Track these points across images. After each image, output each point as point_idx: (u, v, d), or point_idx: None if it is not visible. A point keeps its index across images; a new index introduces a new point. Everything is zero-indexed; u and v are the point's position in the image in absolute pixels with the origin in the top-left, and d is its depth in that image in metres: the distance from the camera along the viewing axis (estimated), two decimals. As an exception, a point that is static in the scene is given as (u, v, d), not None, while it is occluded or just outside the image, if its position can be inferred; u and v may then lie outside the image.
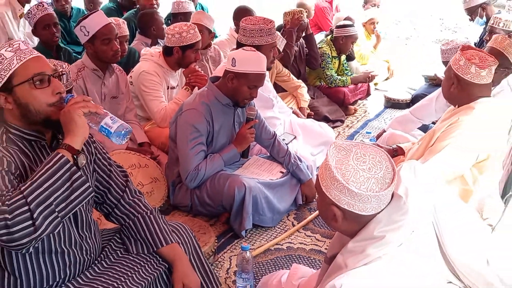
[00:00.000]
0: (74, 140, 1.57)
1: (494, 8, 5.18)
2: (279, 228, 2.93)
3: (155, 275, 1.92)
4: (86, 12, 5.14)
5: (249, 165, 3.10)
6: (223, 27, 4.53)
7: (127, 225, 1.99)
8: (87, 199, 1.62)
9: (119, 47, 3.17)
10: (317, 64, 4.72)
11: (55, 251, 1.72)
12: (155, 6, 4.96)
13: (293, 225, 2.96)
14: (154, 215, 2.02)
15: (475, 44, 4.80)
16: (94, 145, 1.91)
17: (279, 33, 3.93)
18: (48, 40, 3.85)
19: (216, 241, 2.68)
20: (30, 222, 1.44)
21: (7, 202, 1.42)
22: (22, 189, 1.47)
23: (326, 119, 4.37)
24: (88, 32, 3.03)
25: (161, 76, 3.46)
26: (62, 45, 4.29)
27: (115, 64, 3.32)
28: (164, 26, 4.34)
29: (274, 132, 3.16)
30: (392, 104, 5.02)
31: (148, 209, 2.02)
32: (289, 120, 3.84)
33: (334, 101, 4.70)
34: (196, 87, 3.41)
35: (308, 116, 4.31)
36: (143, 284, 1.86)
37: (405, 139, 3.45)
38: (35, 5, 3.98)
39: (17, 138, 1.66)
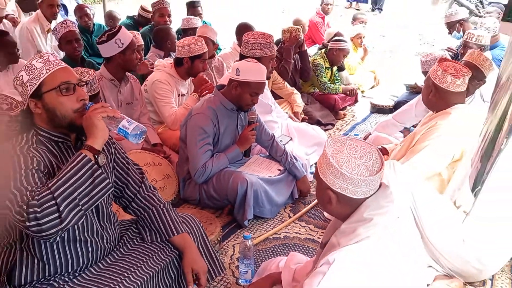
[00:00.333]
0: (95, 142, 1.58)
1: (471, 25, 5.18)
2: (277, 219, 2.93)
3: (167, 261, 1.92)
4: (106, 28, 5.14)
5: (250, 163, 3.10)
6: (222, 40, 4.52)
7: (142, 217, 1.99)
8: (107, 194, 1.62)
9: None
10: (308, 77, 4.72)
11: (79, 240, 1.72)
12: (168, 22, 4.96)
13: (290, 217, 2.96)
14: (167, 207, 2.02)
15: (451, 56, 4.80)
16: (114, 145, 1.92)
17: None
18: (71, 53, 3.86)
19: (221, 230, 2.67)
20: (57, 214, 1.44)
21: (36, 197, 1.43)
22: (49, 185, 1.47)
23: (318, 123, 4.36)
24: (122, 44, 3.08)
25: (172, 84, 3.46)
26: (85, 57, 4.29)
27: (129, 74, 3.33)
28: (177, 40, 4.35)
29: (273, 134, 3.16)
30: (377, 109, 5.02)
31: (161, 203, 2.02)
32: (285, 124, 3.84)
33: (325, 107, 4.70)
34: (204, 93, 3.42)
35: (303, 120, 4.31)
36: (157, 269, 1.86)
37: (388, 141, 3.46)
38: (60, 22, 3.99)
39: (45, 140, 1.67)
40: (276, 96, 4.24)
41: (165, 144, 3.45)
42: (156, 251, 1.92)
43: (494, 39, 4.77)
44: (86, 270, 1.76)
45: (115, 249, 1.89)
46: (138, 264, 1.82)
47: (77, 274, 1.73)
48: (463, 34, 4.98)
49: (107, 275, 1.74)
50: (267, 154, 3.20)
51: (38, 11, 4.73)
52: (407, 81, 5.30)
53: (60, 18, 4.93)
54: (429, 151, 2.55)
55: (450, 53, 5.06)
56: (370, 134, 3.85)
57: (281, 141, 3.30)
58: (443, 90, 2.63)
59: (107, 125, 1.63)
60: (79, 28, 4.79)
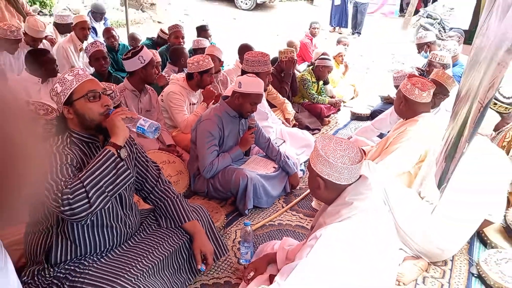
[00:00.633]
0: (117, 139, 1.60)
1: (437, 47, 5.18)
2: (272, 209, 2.92)
3: (180, 244, 1.92)
4: (129, 47, 5.13)
5: (250, 162, 3.10)
6: (226, 58, 4.52)
7: (159, 206, 1.99)
8: (129, 182, 1.63)
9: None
10: (296, 92, 4.75)
11: (106, 225, 1.72)
12: (182, 43, 4.96)
13: (283, 207, 2.95)
14: (180, 198, 2.02)
15: (418, 73, 4.80)
16: (135, 146, 1.92)
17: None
18: (99, 69, 3.85)
19: (225, 218, 2.67)
20: (86, 200, 1.46)
21: (69, 186, 1.45)
22: (80, 176, 1.49)
23: (307, 128, 4.36)
24: (144, 60, 3.09)
25: (184, 95, 3.46)
26: (111, 72, 4.29)
27: (148, 86, 3.33)
28: (189, 58, 4.35)
29: (269, 137, 3.15)
30: (356, 117, 5.02)
31: (175, 194, 2.02)
32: (279, 129, 3.84)
33: (313, 115, 4.69)
34: (211, 102, 3.43)
35: (294, 125, 4.31)
36: (171, 250, 1.86)
37: (365, 144, 3.47)
38: (90, 43, 3.98)
39: (77, 141, 1.67)
40: (271, 105, 4.24)
41: (178, 145, 3.45)
42: (170, 235, 1.92)
43: (454, 59, 4.77)
44: (111, 251, 1.76)
45: (135, 233, 1.89)
46: (155, 246, 1.83)
47: (104, 255, 1.73)
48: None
49: (129, 255, 1.74)
50: (264, 154, 3.19)
51: (72, 33, 4.72)
52: (381, 93, 5.31)
53: (90, 39, 4.92)
54: (399, 152, 2.55)
55: (418, 71, 5.08)
56: (351, 137, 3.85)
57: (275, 143, 3.30)
58: (411, 101, 2.63)
59: (127, 125, 1.64)
60: (107, 47, 4.78)
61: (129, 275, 1.63)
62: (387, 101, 4.86)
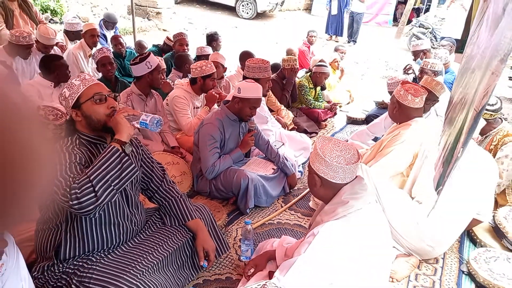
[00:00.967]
0: (121, 135, 1.60)
1: (432, 55, 5.18)
2: (271, 208, 2.92)
3: (183, 241, 1.92)
4: (136, 54, 5.14)
5: (250, 163, 3.09)
6: (228, 64, 4.53)
7: (164, 205, 1.99)
8: (134, 176, 1.63)
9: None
10: (295, 98, 4.75)
11: (113, 223, 1.72)
12: (186, 50, 4.97)
13: (282, 206, 2.95)
14: (183, 198, 2.01)
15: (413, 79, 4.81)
16: (141, 148, 1.92)
17: None
18: (105, 74, 3.85)
19: (227, 217, 2.66)
20: (93, 194, 1.46)
21: (76, 181, 1.45)
22: (86, 172, 1.50)
23: (305, 131, 4.35)
24: (151, 65, 3.10)
25: (188, 99, 3.46)
26: (118, 77, 4.29)
27: (154, 91, 3.33)
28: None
29: (268, 139, 3.15)
30: (352, 121, 5.02)
31: (179, 194, 2.02)
32: (279, 132, 3.83)
33: (311, 119, 4.69)
34: (214, 106, 3.43)
35: (292, 129, 4.30)
36: (175, 248, 1.86)
37: (360, 147, 3.47)
38: (97, 49, 3.99)
39: (86, 142, 1.67)
40: (271, 110, 4.24)
41: (182, 147, 3.45)
42: (175, 233, 1.92)
43: (445, 66, 4.78)
44: (118, 248, 1.75)
45: (141, 231, 1.89)
46: (160, 244, 1.82)
47: (111, 251, 1.73)
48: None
49: (135, 252, 1.74)
50: (264, 155, 3.19)
51: (82, 40, 4.73)
52: (376, 99, 5.31)
53: (99, 45, 4.93)
54: (393, 154, 2.55)
55: (408, 73, 5.09)
56: (347, 141, 3.85)
57: (275, 145, 3.29)
58: (405, 106, 2.63)
59: (131, 122, 1.64)
60: (114, 54, 4.79)
61: (134, 271, 1.62)
62: (382, 106, 4.86)
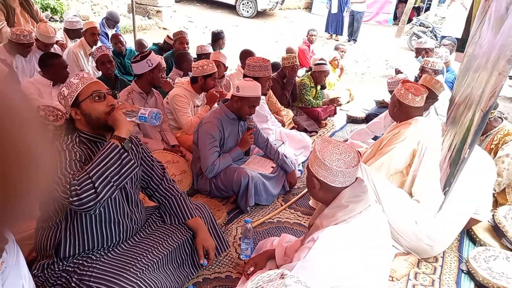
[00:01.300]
0: (120, 132, 1.60)
1: (434, 54, 5.16)
2: (271, 207, 2.92)
3: (183, 239, 1.92)
4: (136, 52, 5.13)
5: (250, 161, 3.09)
6: (228, 63, 4.52)
7: (164, 204, 1.99)
8: (134, 172, 1.62)
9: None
10: (296, 98, 4.76)
11: (113, 221, 1.71)
12: (187, 48, 4.96)
13: (282, 205, 2.95)
14: (183, 196, 2.01)
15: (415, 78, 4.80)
16: (142, 146, 1.92)
17: None
18: (105, 72, 3.84)
19: (227, 216, 2.66)
20: (93, 190, 1.46)
21: (76, 178, 1.45)
22: (86, 168, 1.49)
23: (305, 130, 4.35)
24: (152, 64, 3.10)
25: (189, 98, 3.45)
26: (118, 75, 4.28)
27: (154, 89, 3.33)
28: (193, 62, 4.34)
29: (267, 137, 3.15)
30: (352, 120, 5.02)
31: (179, 192, 2.02)
32: (279, 131, 3.83)
33: (311, 117, 4.69)
34: (215, 105, 3.42)
35: (292, 128, 4.30)
36: (175, 246, 1.86)
37: (359, 146, 3.47)
38: (96, 48, 3.98)
39: (86, 140, 1.67)
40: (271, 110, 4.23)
41: (182, 145, 3.44)
42: (174, 232, 1.91)
43: (446, 65, 4.78)
44: (118, 246, 1.75)
45: (141, 229, 1.89)
46: (160, 242, 1.82)
47: (110, 249, 1.73)
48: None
49: (135, 250, 1.74)
50: (263, 153, 3.19)
51: (82, 38, 4.72)
52: (376, 98, 5.31)
53: (100, 44, 4.91)
54: (393, 153, 2.55)
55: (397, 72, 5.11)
56: (347, 140, 3.85)
57: (275, 144, 3.29)
58: (405, 105, 2.63)
59: (130, 117, 1.64)
60: (114, 52, 4.78)
61: (134, 269, 1.62)
62: (382, 105, 4.86)
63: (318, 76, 4.73)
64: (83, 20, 6.10)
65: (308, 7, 15.60)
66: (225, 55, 4.28)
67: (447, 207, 2.21)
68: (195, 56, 4.73)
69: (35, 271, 1.65)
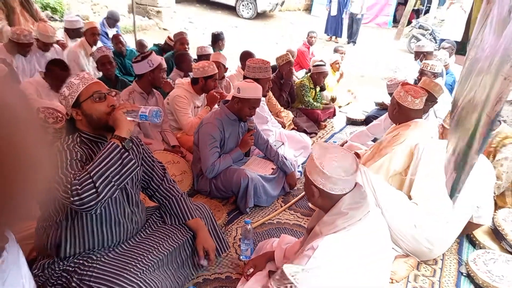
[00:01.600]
0: (120, 131, 1.59)
1: (433, 57, 5.18)
2: (271, 208, 2.92)
3: (184, 240, 1.92)
4: (136, 53, 5.13)
5: (250, 162, 3.09)
6: (228, 64, 4.52)
7: (164, 204, 1.99)
8: (134, 172, 1.62)
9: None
10: (294, 100, 4.77)
11: (114, 221, 1.71)
12: (187, 49, 4.96)
13: (281, 206, 2.95)
14: (184, 197, 2.01)
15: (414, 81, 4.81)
16: (142, 147, 1.91)
17: None
18: (105, 73, 3.84)
19: (227, 216, 2.66)
20: (94, 190, 1.45)
21: (77, 178, 1.45)
22: (87, 168, 1.49)
23: (304, 131, 4.35)
24: (153, 64, 3.11)
25: (189, 98, 3.46)
26: (119, 76, 4.28)
27: (155, 90, 3.33)
28: (193, 63, 4.34)
29: (267, 139, 3.15)
30: (351, 122, 5.02)
31: (179, 193, 2.01)
32: (278, 132, 3.83)
33: (310, 119, 4.69)
34: (215, 106, 3.42)
35: (292, 129, 4.30)
36: (175, 246, 1.85)
37: (359, 148, 3.47)
38: (96, 49, 3.99)
39: (87, 140, 1.67)
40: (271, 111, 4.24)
41: (182, 146, 3.44)
42: (175, 232, 1.91)
43: (445, 67, 4.79)
44: (118, 246, 1.75)
45: (141, 229, 1.88)
46: (160, 242, 1.82)
47: (111, 249, 1.72)
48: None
49: (135, 251, 1.74)
50: (263, 155, 3.19)
51: (82, 38, 4.72)
52: (376, 100, 5.32)
53: (100, 43, 4.92)
54: (393, 154, 2.55)
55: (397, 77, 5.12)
56: (346, 141, 3.85)
57: (274, 145, 3.29)
58: (404, 108, 2.63)
59: (130, 117, 1.64)
60: (114, 52, 4.78)
61: (135, 269, 1.62)
62: (381, 107, 4.86)
63: (317, 78, 4.74)
64: (83, 20, 6.09)
65: (308, 9, 15.63)
66: (225, 56, 4.29)
67: (446, 210, 2.22)
68: (195, 57, 4.74)
69: (36, 270, 1.64)
